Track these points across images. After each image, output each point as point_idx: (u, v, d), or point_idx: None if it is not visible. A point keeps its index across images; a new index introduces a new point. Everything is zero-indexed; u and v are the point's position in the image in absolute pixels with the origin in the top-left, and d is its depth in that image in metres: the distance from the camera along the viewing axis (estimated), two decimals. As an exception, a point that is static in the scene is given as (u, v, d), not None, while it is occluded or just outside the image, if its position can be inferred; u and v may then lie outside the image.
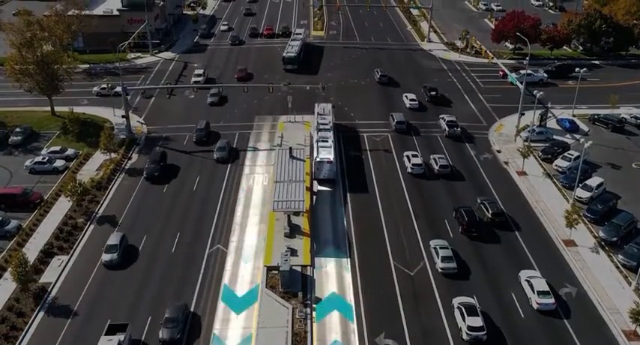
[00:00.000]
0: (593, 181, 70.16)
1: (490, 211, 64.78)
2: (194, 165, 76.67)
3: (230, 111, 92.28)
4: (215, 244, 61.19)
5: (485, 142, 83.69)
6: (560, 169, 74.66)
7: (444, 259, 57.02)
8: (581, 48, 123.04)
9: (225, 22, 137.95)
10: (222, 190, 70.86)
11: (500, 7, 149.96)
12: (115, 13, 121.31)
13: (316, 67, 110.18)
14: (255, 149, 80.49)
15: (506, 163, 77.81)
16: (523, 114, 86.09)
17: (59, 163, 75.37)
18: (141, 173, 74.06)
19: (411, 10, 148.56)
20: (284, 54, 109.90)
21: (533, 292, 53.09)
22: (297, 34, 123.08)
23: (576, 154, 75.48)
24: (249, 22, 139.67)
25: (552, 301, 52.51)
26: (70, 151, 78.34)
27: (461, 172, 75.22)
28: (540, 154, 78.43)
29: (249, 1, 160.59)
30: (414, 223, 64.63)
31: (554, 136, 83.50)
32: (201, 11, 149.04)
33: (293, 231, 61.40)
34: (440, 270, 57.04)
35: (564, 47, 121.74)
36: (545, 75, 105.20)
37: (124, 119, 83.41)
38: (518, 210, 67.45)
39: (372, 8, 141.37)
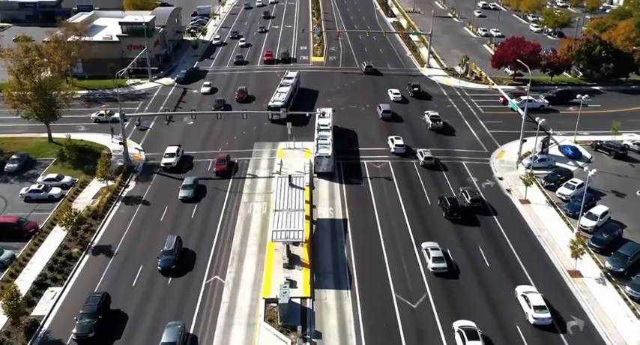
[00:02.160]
0: (598, 209, 68.98)
1: (469, 198, 71.53)
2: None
3: (229, 138, 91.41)
4: (212, 275, 59.79)
5: (486, 169, 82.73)
6: (563, 197, 73.55)
7: (435, 259, 60.12)
8: (581, 74, 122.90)
9: (208, 82, 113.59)
10: (221, 218, 69.73)
11: (499, 33, 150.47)
12: (115, 39, 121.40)
13: (315, 94, 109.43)
14: (254, 177, 79.49)
15: (508, 190, 76.77)
16: (525, 141, 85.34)
17: (55, 191, 74.25)
18: (138, 201, 73.10)
19: (411, 36, 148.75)
20: (270, 102, 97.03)
21: (530, 307, 53.69)
22: (287, 78, 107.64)
23: (580, 181, 74.48)
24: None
25: (548, 315, 53.05)
26: (66, 179, 77.25)
27: (445, 165, 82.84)
28: (543, 181, 77.37)
29: (241, 45, 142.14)
30: (416, 254, 63.31)
31: (557, 163, 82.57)
32: (201, 37, 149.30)
33: (292, 261, 60.09)
34: (431, 270, 59.84)
35: (564, 73, 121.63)
36: (546, 101, 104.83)
37: (122, 146, 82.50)
38: (522, 239, 66.22)
39: (372, 34, 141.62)
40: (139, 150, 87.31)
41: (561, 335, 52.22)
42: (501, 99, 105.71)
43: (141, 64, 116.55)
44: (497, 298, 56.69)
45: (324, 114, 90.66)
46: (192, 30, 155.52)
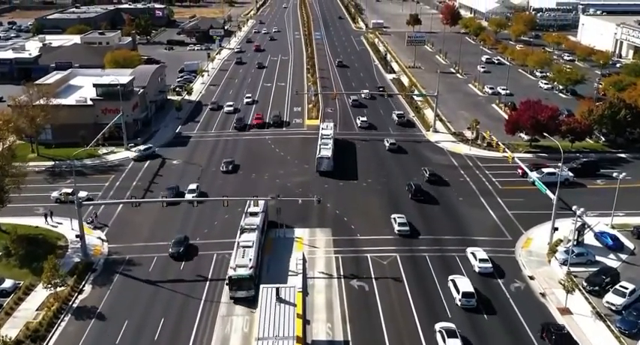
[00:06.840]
0: (661, 329, 55.65)
1: (428, 173, 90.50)
2: None
3: (209, 223, 78.39)
4: None
5: (513, 264, 69.47)
6: (613, 308, 60.17)
7: (400, 224, 74.42)
8: (603, 139, 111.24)
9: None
10: (192, 340, 56.02)
11: (507, 91, 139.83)
12: (89, 102, 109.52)
13: (312, 165, 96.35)
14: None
15: (542, 294, 63.47)
16: (556, 229, 72.62)
17: (-9, 301, 60.84)
18: (92, 314, 59.46)
19: (414, 96, 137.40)
20: (230, 269, 62.17)
21: (476, 260, 66.64)
22: (252, 214, 72.29)
23: (631, 287, 61.29)
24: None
25: (490, 265, 66.14)
26: (7, 284, 63.59)
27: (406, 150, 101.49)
28: (584, 284, 64.08)
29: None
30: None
31: (596, 257, 69.48)
32: (187, 97, 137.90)
33: None
34: (397, 232, 73.77)
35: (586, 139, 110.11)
36: (571, 174, 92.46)
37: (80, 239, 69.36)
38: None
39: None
40: (102, 240, 74.01)
41: None
42: (520, 171, 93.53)
43: (116, 130, 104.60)
44: None
45: (327, 126, 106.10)
46: (177, 88, 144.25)
